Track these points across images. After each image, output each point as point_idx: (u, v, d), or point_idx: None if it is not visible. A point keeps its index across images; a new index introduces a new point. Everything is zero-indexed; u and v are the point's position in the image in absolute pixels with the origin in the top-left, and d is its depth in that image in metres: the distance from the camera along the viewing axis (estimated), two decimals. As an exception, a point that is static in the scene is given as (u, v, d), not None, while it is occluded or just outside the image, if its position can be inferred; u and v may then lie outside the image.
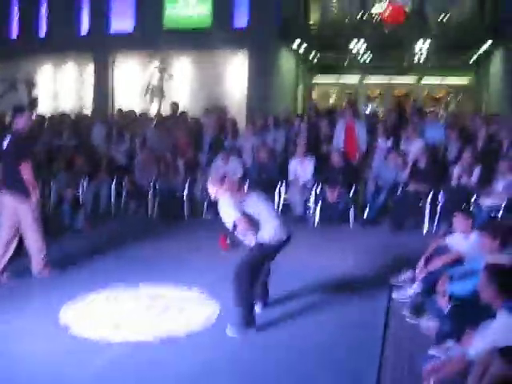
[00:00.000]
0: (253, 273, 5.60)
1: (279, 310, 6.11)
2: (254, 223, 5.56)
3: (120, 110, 13.69)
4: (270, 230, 5.59)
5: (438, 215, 9.65)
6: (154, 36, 17.14)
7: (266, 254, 5.71)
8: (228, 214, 5.55)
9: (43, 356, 4.99)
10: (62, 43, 17.81)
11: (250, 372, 4.75)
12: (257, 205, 5.66)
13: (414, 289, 6.36)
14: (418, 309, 5.87)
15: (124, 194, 11.28)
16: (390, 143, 10.77)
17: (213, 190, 5.79)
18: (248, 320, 5.56)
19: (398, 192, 10.04)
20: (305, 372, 4.73)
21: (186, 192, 10.71)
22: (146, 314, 5.96)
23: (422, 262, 6.58)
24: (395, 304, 6.28)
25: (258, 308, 5.93)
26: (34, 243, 7.10)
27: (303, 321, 5.85)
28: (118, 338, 5.34)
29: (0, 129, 10.95)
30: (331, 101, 25.48)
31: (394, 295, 6.49)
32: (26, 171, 6.86)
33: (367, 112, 18.29)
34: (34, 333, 5.48)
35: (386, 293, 6.61)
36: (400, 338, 5.43)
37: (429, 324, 5.51)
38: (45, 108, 18.94)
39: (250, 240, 5.68)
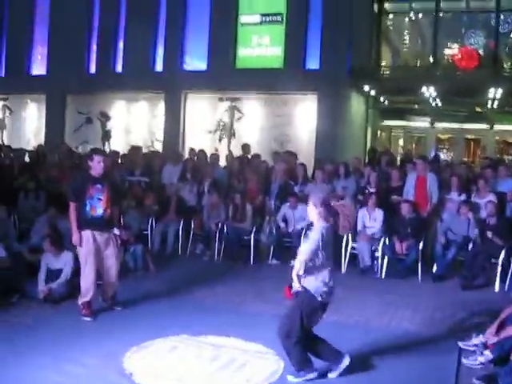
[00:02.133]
0: (301, 330, 5.54)
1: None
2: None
3: (192, 150, 13.86)
4: (320, 282, 5.51)
5: (510, 272, 9.37)
6: (226, 75, 17.36)
7: (314, 309, 5.61)
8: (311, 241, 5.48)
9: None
10: (136, 79, 18.23)
11: None
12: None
13: (485, 356, 6.13)
14: (489, 379, 5.63)
15: (191, 235, 11.38)
16: (463, 197, 10.54)
17: (313, 211, 5.66)
18: (303, 364, 5.58)
19: (469, 247, 9.81)
20: None
21: (252, 236, 10.73)
22: (209, 367, 5.91)
23: (494, 328, 6.38)
24: (465, 370, 6.04)
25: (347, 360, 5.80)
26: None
27: (366, 378, 5.73)
28: (182, 392, 5.32)
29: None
30: (400, 143, 25.34)
31: (465, 361, 6.24)
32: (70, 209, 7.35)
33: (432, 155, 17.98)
34: (98, 379, 5.53)
35: (454, 356, 6.38)
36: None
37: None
38: (117, 142, 19.46)
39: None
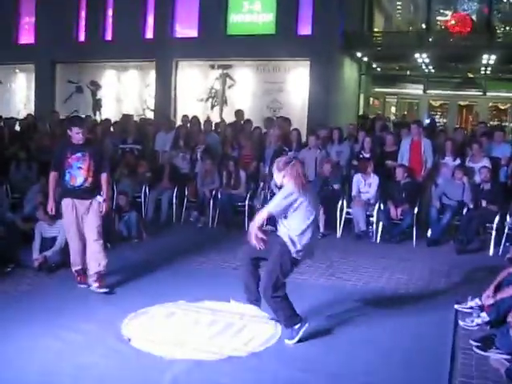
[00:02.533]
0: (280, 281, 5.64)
1: (338, 330, 6.02)
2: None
3: (185, 116, 13.72)
4: (302, 240, 5.57)
5: (504, 237, 9.40)
6: (218, 42, 17.16)
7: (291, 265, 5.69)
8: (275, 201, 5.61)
9: (105, 369, 5.01)
10: (126, 47, 18.00)
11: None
12: (305, 209, 5.57)
13: (482, 317, 6.16)
14: (486, 340, 5.65)
15: (185, 202, 11.34)
16: (457, 161, 10.51)
17: (279, 176, 5.68)
18: (294, 319, 5.68)
19: (464, 212, 9.82)
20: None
21: (247, 202, 10.70)
22: (208, 331, 5.92)
23: (491, 290, 6.39)
24: (461, 331, 6.08)
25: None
26: None
27: (364, 343, 5.72)
28: (181, 355, 5.32)
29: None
30: (393, 111, 25.28)
31: (461, 322, 6.26)
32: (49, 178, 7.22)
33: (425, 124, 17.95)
34: (97, 344, 5.52)
35: (450, 318, 6.42)
36: (467, 371, 5.20)
37: (499, 359, 5.33)
38: (108, 110, 19.28)
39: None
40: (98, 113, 19.61)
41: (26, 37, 20.82)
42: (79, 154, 7.02)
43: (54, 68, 20.47)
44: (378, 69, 21.95)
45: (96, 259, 7.09)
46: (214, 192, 10.92)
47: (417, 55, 19.02)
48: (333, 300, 6.90)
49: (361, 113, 19.67)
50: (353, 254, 9.22)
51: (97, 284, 7.05)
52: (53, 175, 7.13)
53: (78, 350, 5.35)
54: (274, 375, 5.02)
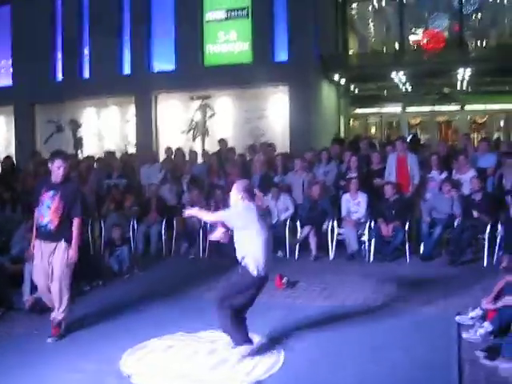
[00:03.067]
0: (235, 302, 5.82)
1: (341, 349, 5.95)
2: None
3: (169, 149, 13.67)
4: (256, 257, 5.73)
5: (497, 247, 9.40)
6: (196, 73, 17.19)
7: (251, 287, 5.82)
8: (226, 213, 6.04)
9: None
10: (104, 83, 18.00)
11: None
12: (253, 221, 5.78)
13: (485, 327, 6.10)
14: (493, 350, 5.60)
15: (174, 234, 11.23)
16: (444, 175, 10.53)
17: (235, 195, 6.00)
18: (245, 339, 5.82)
19: (455, 225, 9.81)
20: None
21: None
22: (208, 361, 5.81)
23: (491, 298, 6.36)
24: (465, 344, 6.01)
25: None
26: None
27: (370, 362, 5.63)
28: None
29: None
30: (373, 131, 25.43)
31: (464, 335, 6.20)
32: None
33: (408, 140, 18.06)
34: (97, 383, 5.40)
35: (453, 331, 6.36)
36: (477, 383, 5.15)
37: (508, 367, 5.27)
38: (90, 148, 19.18)
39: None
40: (79, 151, 19.50)
41: (4, 79, 20.78)
42: (51, 193, 6.64)
43: (33, 109, 20.46)
44: (356, 90, 22.12)
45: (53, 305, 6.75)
46: (202, 222, 10.80)
47: (393, 74, 19.24)
48: (332, 320, 6.83)
49: (342, 135, 19.73)
50: (347, 274, 9.15)
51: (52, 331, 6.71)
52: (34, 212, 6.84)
53: (79, 391, 5.23)
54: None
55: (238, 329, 5.83)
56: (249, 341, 5.87)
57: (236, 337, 5.86)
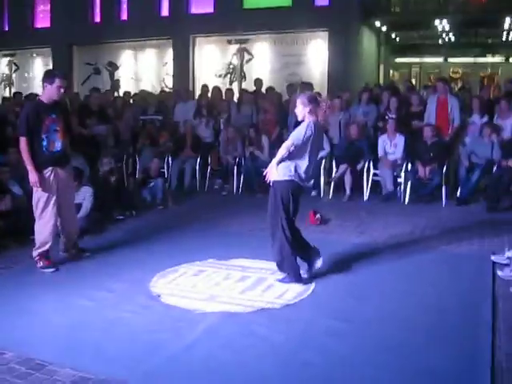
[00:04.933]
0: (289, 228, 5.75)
1: (376, 285, 5.89)
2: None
3: (205, 86, 13.54)
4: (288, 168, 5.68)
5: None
6: (234, 16, 16.96)
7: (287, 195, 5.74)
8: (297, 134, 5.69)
9: (136, 323, 4.92)
10: (142, 26, 17.88)
11: (348, 347, 4.47)
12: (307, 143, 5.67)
13: (521, 266, 5.99)
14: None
15: (209, 171, 11.22)
16: (485, 119, 10.25)
17: (301, 110, 5.80)
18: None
19: (494, 170, 9.58)
20: (414, 347, 4.43)
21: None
22: (239, 286, 5.82)
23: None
24: (500, 281, 5.90)
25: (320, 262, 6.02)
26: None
27: (397, 296, 5.57)
28: (212, 308, 5.22)
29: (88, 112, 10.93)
30: (413, 82, 24.92)
31: (499, 273, 6.07)
32: (20, 146, 6.30)
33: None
34: (127, 301, 5.43)
35: (488, 269, 6.24)
36: (510, 316, 5.04)
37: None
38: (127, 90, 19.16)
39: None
40: (116, 93, 19.49)
41: (42, 21, 20.78)
42: (54, 116, 6.37)
43: (71, 51, 20.49)
44: (397, 38, 21.63)
45: (72, 229, 6.77)
46: (237, 159, 10.78)
47: (436, 22, 18.71)
48: (363, 256, 6.78)
49: (381, 82, 19.34)
50: (381, 214, 9.04)
51: (87, 254, 6.83)
52: (25, 141, 6.22)
53: (108, 307, 5.28)
54: (311, 325, 4.89)
55: (293, 264, 5.82)
56: (300, 279, 5.84)
57: (288, 270, 5.84)
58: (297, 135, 5.67)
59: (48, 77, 6.41)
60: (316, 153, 5.88)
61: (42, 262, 6.43)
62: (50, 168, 6.36)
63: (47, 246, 6.46)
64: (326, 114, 6.33)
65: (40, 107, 6.37)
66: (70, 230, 6.75)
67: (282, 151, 5.63)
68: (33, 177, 6.25)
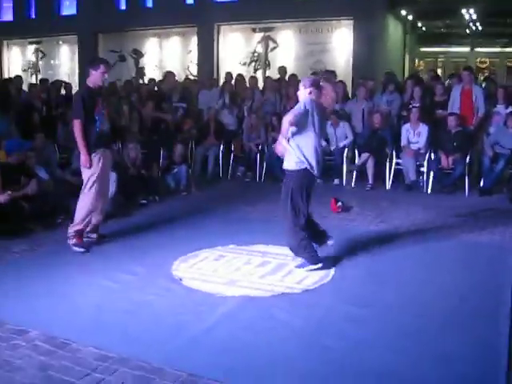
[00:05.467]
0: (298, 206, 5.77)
1: (395, 272, 5.92)
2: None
3: (229, 74, 13.55)
4: (302, 155, 5.69)
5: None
6: (259, 4, 16.92)
7: (303, 182, 5.76)
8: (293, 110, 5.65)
9: (159, 305, 5.01)
10: (167, 13, 17.91)
11: (367, 333, 4.50)
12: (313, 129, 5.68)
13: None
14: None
15: (232, 158, 11.28)
16: (510, 109, 10.15)
17: (303, 92, 5.79)
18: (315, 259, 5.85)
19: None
20: (432, 333, 4.46)
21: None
22: (259, 271, 5.89)
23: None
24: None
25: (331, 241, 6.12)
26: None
27: (415, 283, 5.61)
28: (233, 292, 5.29)
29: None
30: (439, 71, 24.69)
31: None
32: (75, 129, 6.54)
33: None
34: (149, 284, 5.52)
35: (509, 258, 6.23)
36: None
37: None
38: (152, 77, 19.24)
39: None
40: (141, 81, 19.59)
41: (68, 8, 20.92)
42: (99, 99, 6.69)
43: (96, 38, 20.54)
44: (423, 28, 21.40)
45: (103, 210, 6.96)
46: (260, 147, 10.83)
47: (463, 11, 18.48)
48: (383, 243, 6.81)
49: (406, 71, 19.22)
50: (403, 203, 9.03)
51: (94, 235, 6.93)
52: (80, 123, 6.48)
53: (131, 289, 5.37)
54: (330, 310, 4.94)
55: (307, 247, 5.85)
56: (317, 260, 5.89)
57: (304, 255, 5.88)
58: (296, 109, 5.67)
59: (93, 63, 6.75)
60: (319, 138, 5.83)
61: (75, 240, 6.61)
62: (102, 149, 6.65)
63: (84, 225, 6.67)
64: (333, 98, 6.27)
65: (91, 91, 6.64)
66: (102, 211, 6.91)
67: (284, 125, 5.63)
68: (85, 158, 6.51)
